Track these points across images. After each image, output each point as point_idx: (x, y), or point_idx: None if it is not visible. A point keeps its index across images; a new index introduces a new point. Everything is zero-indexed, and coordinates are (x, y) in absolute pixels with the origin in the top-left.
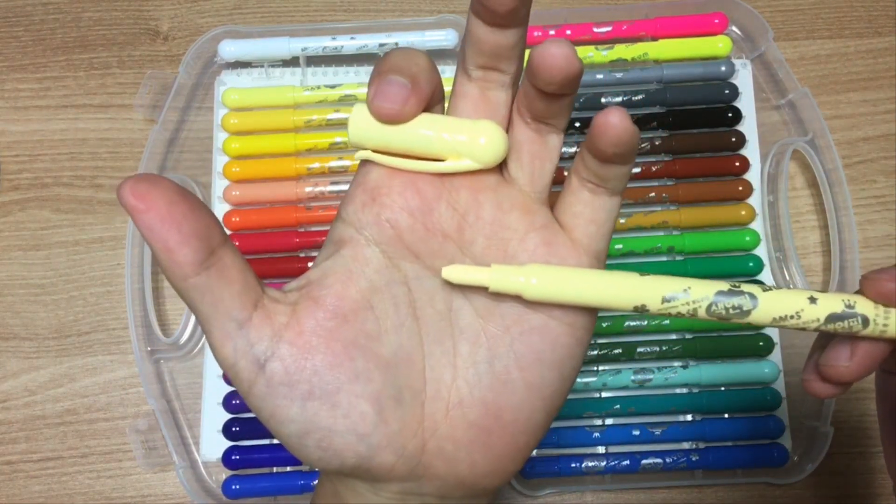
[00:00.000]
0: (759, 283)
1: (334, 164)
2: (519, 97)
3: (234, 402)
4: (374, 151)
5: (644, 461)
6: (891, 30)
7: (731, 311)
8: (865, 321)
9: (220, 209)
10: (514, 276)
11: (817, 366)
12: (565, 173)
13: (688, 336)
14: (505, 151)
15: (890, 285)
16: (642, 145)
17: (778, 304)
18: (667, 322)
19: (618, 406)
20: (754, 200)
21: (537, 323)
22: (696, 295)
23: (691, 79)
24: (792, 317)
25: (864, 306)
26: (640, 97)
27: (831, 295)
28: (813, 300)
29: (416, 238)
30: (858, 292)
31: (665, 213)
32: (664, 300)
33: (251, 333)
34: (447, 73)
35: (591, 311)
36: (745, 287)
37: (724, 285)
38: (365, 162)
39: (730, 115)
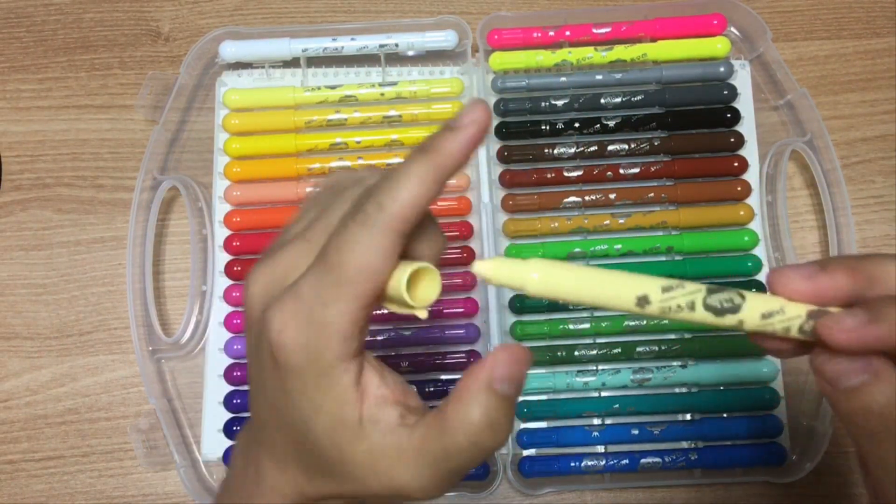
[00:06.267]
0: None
1: (335, 164)
2: None
3: (234, 401)
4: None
5: (643, 460)
6: (889, 31)
7: (724, 304)
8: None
9: (220, 209)
10: (517, 268)
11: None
12: (565, 174)
13: (686, 336)
14: None
15: (797, 283)
16: (641, 145)
17: (763, 301)
18: (666, 321)
19: (617, 405)
20: (753, 201)
21: None
22: (691, 287)
23: (690, 79)
24: (777, 312)
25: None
26: (639, 98)
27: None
28: (790, 300)
29: None
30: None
31: (664, 214)
32: (664, 289)
33: None
34: (447, 73)
35: None
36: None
37: (711, 285)
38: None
39: (728, 115)
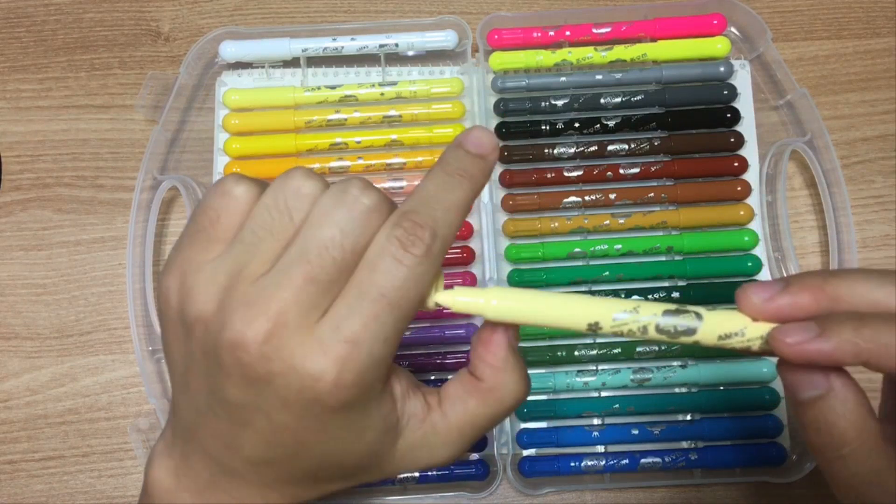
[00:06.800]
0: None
1: (334, 164)
2: None
3: None
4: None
5: (643, 460)
6: (889, 31)
7: (678, 328)
8: None
9: None
10: (476, 296)
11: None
12: (565, 174)
13: None
14: None
15: (758, 304)
16: (641, 145)
17: (724, 322)
18: None
19: (617, 405)
20: (753, 201)
21: None
22: (646, 313)
23: (690, 79)
24: (737, 333)
25: None
26: (639, 98)
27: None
28: (755, 319)
29: None
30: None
31: (664, 214)
32: (617, 315)
33: None
34: (447, 73)
35: None
36: (691, 307)
37: (671, 305)
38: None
39: (728, 115)
